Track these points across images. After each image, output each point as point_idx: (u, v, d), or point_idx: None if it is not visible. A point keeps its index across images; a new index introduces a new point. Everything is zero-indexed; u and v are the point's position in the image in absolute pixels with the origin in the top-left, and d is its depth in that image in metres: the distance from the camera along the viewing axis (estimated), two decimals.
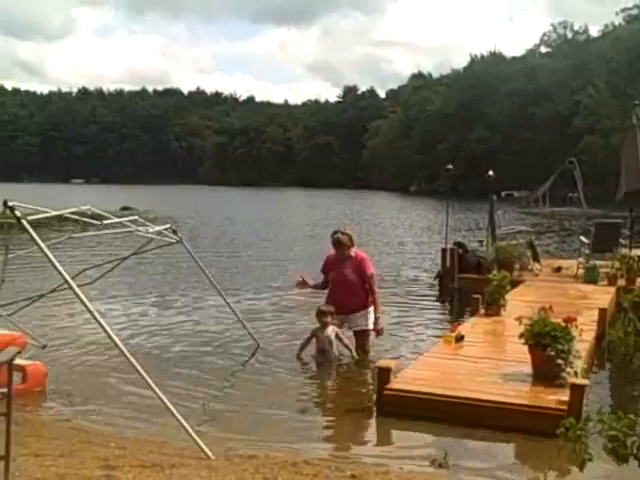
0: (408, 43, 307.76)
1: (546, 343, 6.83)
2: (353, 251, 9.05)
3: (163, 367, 8.34)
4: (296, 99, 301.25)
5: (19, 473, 4.36)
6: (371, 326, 9.11)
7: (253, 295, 14.26)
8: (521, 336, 7.14)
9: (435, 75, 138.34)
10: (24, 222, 5.62)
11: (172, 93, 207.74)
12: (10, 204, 5.74)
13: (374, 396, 6.95)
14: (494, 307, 10.58)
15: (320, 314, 8.82)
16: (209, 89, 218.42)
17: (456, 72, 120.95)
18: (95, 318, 5.43)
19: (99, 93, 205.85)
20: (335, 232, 9.13)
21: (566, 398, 6.23)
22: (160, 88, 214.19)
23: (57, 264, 5.51)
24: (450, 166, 20.36)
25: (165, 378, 7.58)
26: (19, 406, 6.05)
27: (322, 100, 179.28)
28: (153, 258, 16.63)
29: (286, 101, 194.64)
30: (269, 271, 18.53)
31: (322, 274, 9.40)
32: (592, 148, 78.11)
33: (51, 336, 9.63)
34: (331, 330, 8.74)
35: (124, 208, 38.92)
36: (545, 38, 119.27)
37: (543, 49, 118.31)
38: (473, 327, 9.81)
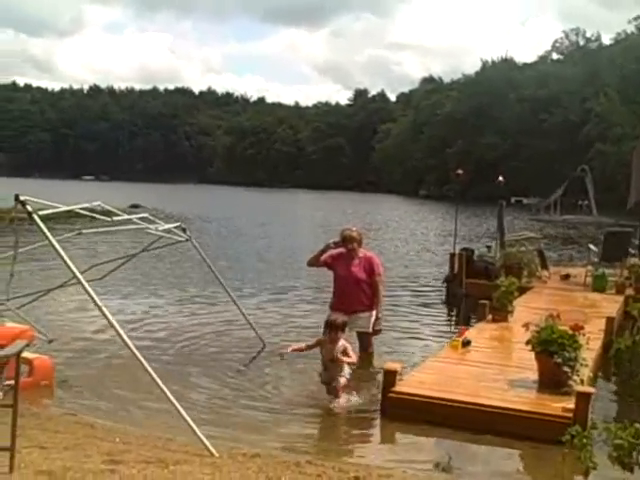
0: (419, 46, 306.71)
1: (553, 350, 6.81)
2: (362, 251, 9.04)
3: (169, 364, 8.36)
4: (306, 100, 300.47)
5: (24, 465, 4.37)
6: (379, 327, 9.11)
7: (260, 294, 14.30)
8: (528, 343, 7.13)
9: (445, 79, 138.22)
10: (35, 217, 5.64)
11: (183, 92, 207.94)
12: (22, 198, 5.76)
13: (379, 398, 6.95)
14: (501, 313, 10.56)
15: (332, 327, 7.56)
16: (219, 89, 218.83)
17: (467, 77, 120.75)
18: (103, 313, 5.45)
19: (110, 91, 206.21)
20: (345, 230, 9.16)
21: (572, 406, 6.21)
22: (171, 87, 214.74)
23: (67, 259, 5.53)
24: (460, 171, 20.28)
25: (170, 375, 7.58)
26: (25, 399, 6.08)
27: (332, 102, 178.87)
28: (162, 255, 16.66)
29: (297, 102, 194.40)
30: (277, 270, 18.58)
31: (322, 261, 9.31)
32: (603, 156, 77.81)
33: (58, 330, 9.65)
34: (340, 345, 7.48)
35: (133, 206, 38.89)
36: (557, 45, 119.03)
37: (555, 56, 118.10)
38: (480, 332, 9.80)
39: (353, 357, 7.55)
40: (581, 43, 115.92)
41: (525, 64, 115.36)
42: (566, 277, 15.93)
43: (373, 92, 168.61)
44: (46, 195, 6.27)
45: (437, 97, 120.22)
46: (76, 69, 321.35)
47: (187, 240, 9.14)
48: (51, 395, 7.17)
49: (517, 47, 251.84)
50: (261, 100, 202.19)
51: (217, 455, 5.14)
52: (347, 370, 7.46)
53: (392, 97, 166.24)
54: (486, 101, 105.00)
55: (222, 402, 7.27)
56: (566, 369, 6.83)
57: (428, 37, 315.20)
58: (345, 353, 7.43)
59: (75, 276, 5.62)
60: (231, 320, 10.89)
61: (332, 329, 7.52)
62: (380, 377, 7.59)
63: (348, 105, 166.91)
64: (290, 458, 5.25)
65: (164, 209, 39.43)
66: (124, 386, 7.47)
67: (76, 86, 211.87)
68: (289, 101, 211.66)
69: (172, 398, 5.38)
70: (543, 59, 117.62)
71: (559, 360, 6.80)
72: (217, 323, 11.21)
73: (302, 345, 7.84)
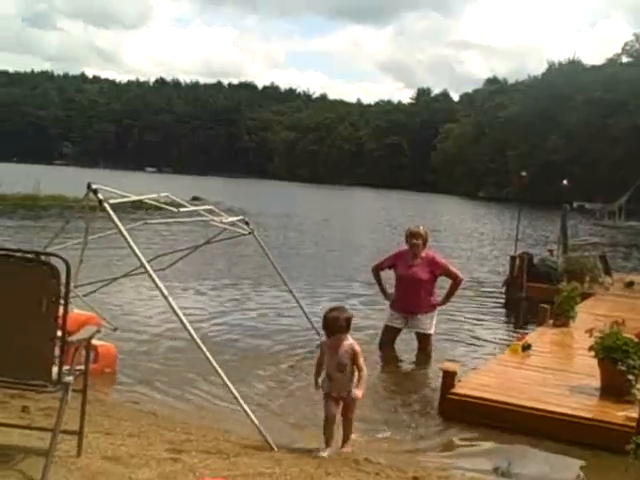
0: (483, 45, 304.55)
1: (617, 357, 6.69)
2: (424, 251, 9.01)
3: (229, 357, 8.43)
4: (368, 98, 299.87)
5: (91, 449, 4.49)
6: (433, 330, 9.09)
7: (319, 288, 14.35)
8: (591, 349, 7.02)
9: (510, 79, 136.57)
10: (106, 205, 5.76)
11: (246, 87, 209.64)
12: (93, 187, 5.89)
13: (437, 399, 6.92)
14: (562, 318, 10.43)
15: (332, 328, 5.37)
16: (282, 84, 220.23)
17: (533, 79, 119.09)
18: (169, 303, 5.52)
19: (175, 83, 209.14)
20: (411, 226, 9.20)
21: (635, 415, 6.07)
22: (235, 81, 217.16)
23: (136, 248, 5.63)
24: (524, 173, 20.10)
25: (230, 368, 7.67)
26: (90, 386, 6.24)
27: (394, 100, 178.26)
28: (223, 248, 16.83)
29: (358, 100, 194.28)
30: (338, 267, 18.66)
31: (383, 265, 9.38)
32: None
33: (123, 319, 9.87)
34: (347, 347, 5.36)
35: (194, 198, 39.19)
36: (627, 47, 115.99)
37: (625, 59, 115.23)
38: (540, 337, 9.69)
39: (363, 371, 5.40)
40: None
41: (593, 67, 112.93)
42: (630, 284, 15.62)
43: (436, 91, 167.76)
44: (110, 185, 6.39)
45: (501, 98, 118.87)
46: (142, 61, 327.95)
47: (250, 233, 9.21)
48: (114, 383, 7.32)
49: (585, 49, 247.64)
50: (323, 97, 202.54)
51: (276, 449, 5.19)
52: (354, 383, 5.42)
53: (455, 97, 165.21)
54: (551, 103, 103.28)
55: (280, 397, 7.31)
56: (630, 377, 6.70)
57: (493, 37, 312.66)
58: (355, 358, 5.36)
59: (143, 265, 5.71)
60: (290, 316, 10.97)
61: (332, 330, 5.39)
62: (436, 378, 7.59)
63: (410, 104, 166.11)
64: (348, 455, 5.26)
65: (224, 202, 39.68)
66: (185, 377, 7.57)
67: (142, 78, 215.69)
68: (351, 98, 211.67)
69: (234, 390, 5.44)
70: (612, 62, 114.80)
71: (623, 368, 6.68)
72: (276, 318, 11.31)
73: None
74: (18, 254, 3.97)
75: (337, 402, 5.40)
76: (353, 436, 5.57)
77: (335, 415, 5.38)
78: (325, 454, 5.19)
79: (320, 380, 5.50)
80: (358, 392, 5.31)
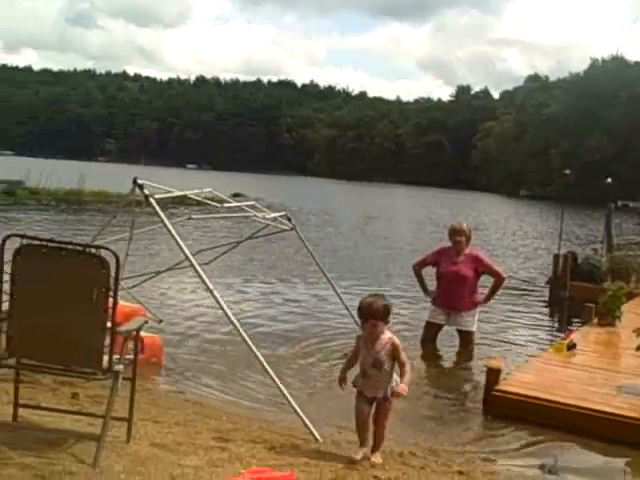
0: (524, 42, 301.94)
1: None
2: (468, 249, 8.97)
3: (272, 349, 8.48)
4: (407, 96, 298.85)
5: (139, 436, 4.57)
6: (475, 327, 9.03)
7: (361, 284, 14.33)
8: (638, 348, 6.93)
9: (551, 76, 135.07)
10: (152, 200, 5.82)
11: (286, 84, 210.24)
12: (139, 182, 5.97)
13: (481, 396, 6.88)
14: (608, 317, 10.28)
15: (367, 316, 4.84)
16: (321, 82, 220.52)
17: (575, 75, 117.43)
18: (214, 297, 5.58)
19: (215, 81, 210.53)
20: (454, 223, 9.17)
21: None
22: (274, 79, 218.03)
23: (180, 242, 5.69)
24: (568, 171, 19.91)
25: (270, 359, 7.70)
26: (137, 375, 6.32)
27: (434, 98, 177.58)
28: (266, 244, 16.92)
29: (398, 97, 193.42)
30: (378, 261, 18.63)
31: (426, 262, 9.34)
32: None
33: (167, 311, 10.01)
34: (385, 342, 4.86)
35: (235, 194, 39.35)
36: None
37: None
38: (585, 336, 9.57)
39: (406, 365, 4.91)
40: None
41: (637, 62, 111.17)
42: None
43: (476, 89, 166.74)
44: (152, 181, 6.46)
45: (542, 96, 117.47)
46: (182, 60, 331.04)
47: (292, 229, 9.25)
48: (160, 373, 7.41)
49: (628, 45, 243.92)
50: (363, 94, 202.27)
51: (321, 440, 5.21)
52: (396, 378, 4.91)
53: (495, 94, 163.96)
54: (594, 100, 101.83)
55: (325, 390, 7.28)
56: None
57: (534, 33, 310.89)
58: (397, 354, 4.87)
59: (188, 259, 5.78)
60: (332, 310, 10.99)
61: (366, 316, 4.85)
62: (479, 375, 7.56)
63: (450, 101, 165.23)
64: (393, 448, 5.25)
65: (264, 199, 39.87)
66: (229, 368, 7.64)
67: (183, 76, 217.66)
68: (390, 96, 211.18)
69: (278, 381, 5.48)
70: None
71: None
72: (317, 312, 11.35)
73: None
74: (70, 247, 4.05)
75: (370, 402, 4.93)
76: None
77: (367, 416, 4.92)
78: (358, 457, 4.79)
79: (354, 376, 5.04)
80: (404, 387, 4.80)
